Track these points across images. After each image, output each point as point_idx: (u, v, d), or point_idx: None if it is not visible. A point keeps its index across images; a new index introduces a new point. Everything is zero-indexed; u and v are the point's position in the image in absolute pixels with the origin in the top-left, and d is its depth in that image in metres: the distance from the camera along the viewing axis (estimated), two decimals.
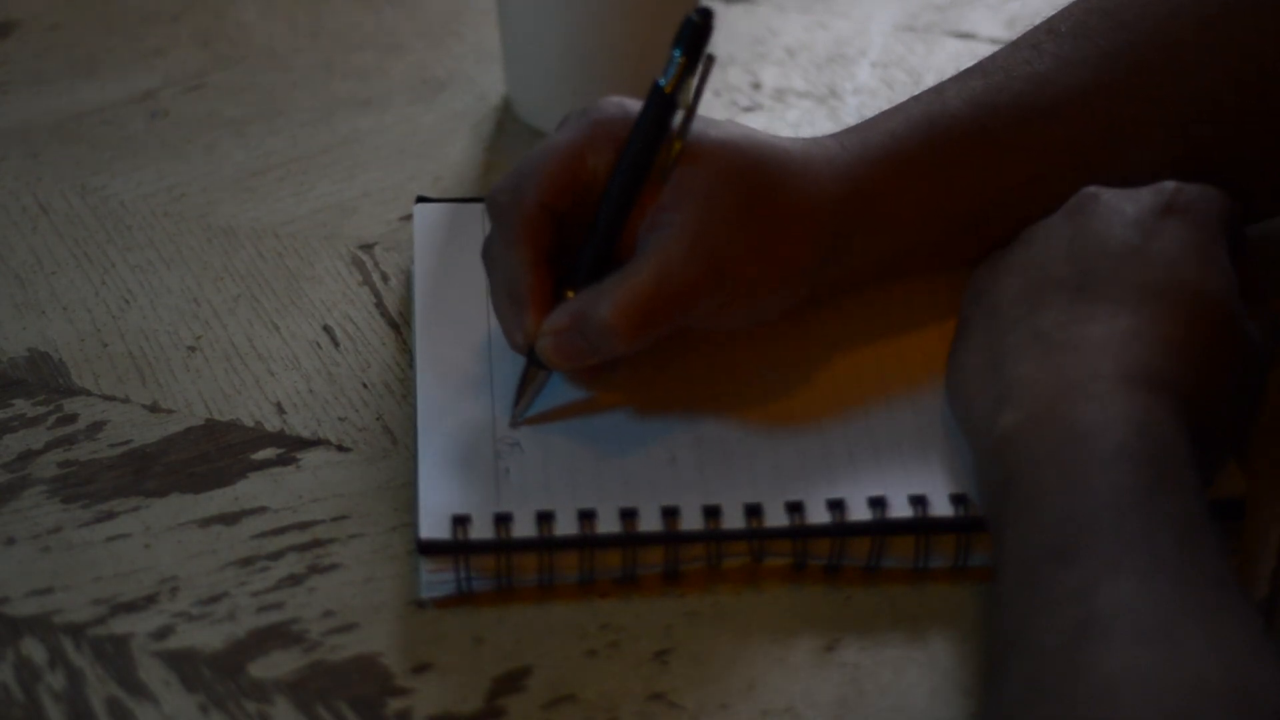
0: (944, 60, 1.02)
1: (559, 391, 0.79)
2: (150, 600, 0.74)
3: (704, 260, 0.75)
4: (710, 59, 0.76)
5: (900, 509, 0.75)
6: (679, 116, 0.76)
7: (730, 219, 0.76)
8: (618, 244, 0.77)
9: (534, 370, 0.78)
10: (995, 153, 0.80)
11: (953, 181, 0.80)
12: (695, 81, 0.76)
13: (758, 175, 0.77)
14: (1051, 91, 0.81)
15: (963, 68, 0.83)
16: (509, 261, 0.77)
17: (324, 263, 0.90)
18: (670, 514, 0.74)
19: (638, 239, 0.77)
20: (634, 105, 0.78)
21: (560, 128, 0.79)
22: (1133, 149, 0.81)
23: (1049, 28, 0.82)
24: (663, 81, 0.76)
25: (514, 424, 0.78)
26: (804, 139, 0.80)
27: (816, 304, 0.81)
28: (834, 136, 0.80)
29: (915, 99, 0.81)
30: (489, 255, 0.79)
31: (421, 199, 0.89)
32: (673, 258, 0.75)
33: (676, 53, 0.76)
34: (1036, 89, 0.81)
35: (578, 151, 0.77)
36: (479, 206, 0.85)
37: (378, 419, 0.82)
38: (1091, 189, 0.78)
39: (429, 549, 0.73)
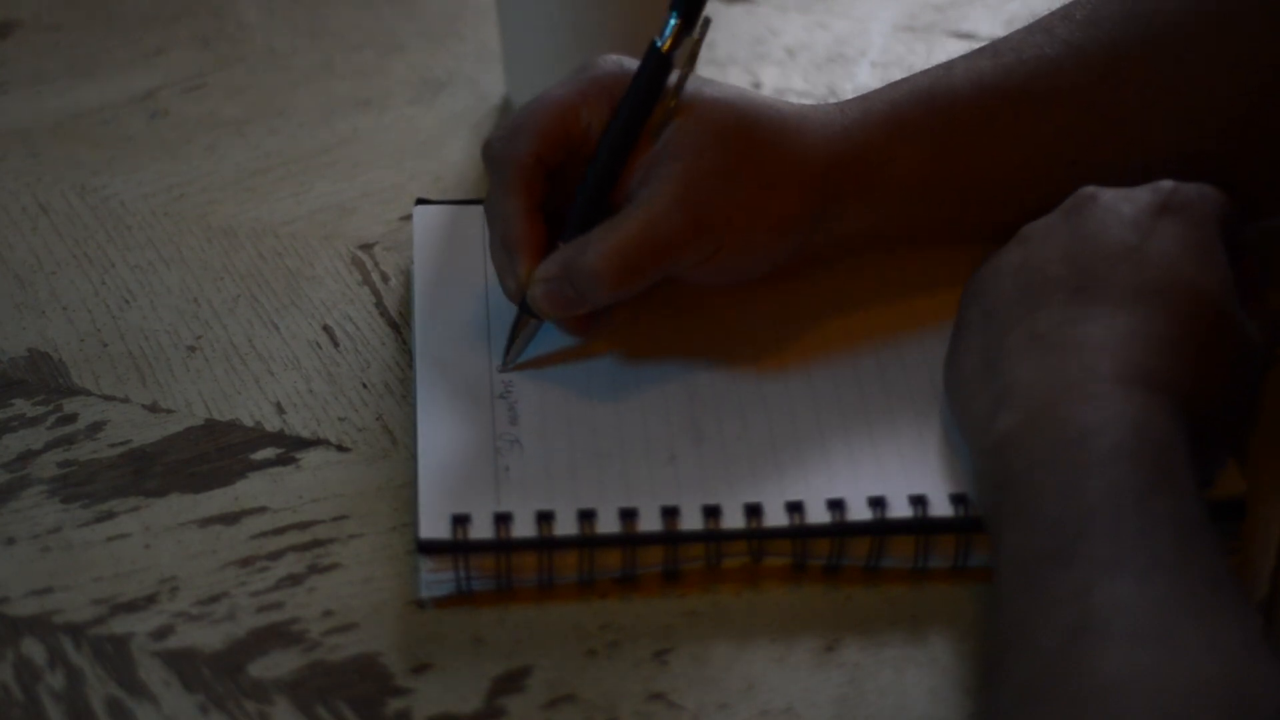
0: (943, 60, 1.02)
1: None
2: (150, 600, 0.74)
3: (689, 211, 0.77)
4: (707, 21, 0.78)
5: (900, 509, 0.75)
6: (675, 76, 0.77)
7: (718, 173, 0.77)
8: (611, 199, 0.79)
9: (526, 318, 0.79)
10: (994, 133, 0.81)
11: (949, 155, 0.80)
12: (692, 43, 0.78)
13: (749, 132, 0.78)
14: (1058, 79, 0.81)
15: None
16: (503, 210, 0.79)
17: (324, 263, 0.90)
18: (670, 514, 0.74)
19: (629, 193, 0.78)
20: (632, 64, 0.79)
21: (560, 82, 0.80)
22: (1132, 141, 0.81)
23: (1064, 13, 0.83)
24: (659, 41, 0.78)
25: (504, 369, 0.80)
26: (805, 104, 0.81)
27: (810, 268, 0.82)
28: (837, 104, 0.82)
29: (923, 73, 0.82)
30: (487, 204, 0.81)
31: (421, 201, 0.89)
32: (658, 208, 0.77)
33: (674, 15, 0.78)
34: (1044, 74, 0.81)
35: (571, 106, 0.79)
36: (479, 208, 0.85)
37: (378, 419, 0.82)
38: (1089, 189, 0.78)
39: (429, 548, 0.73)
